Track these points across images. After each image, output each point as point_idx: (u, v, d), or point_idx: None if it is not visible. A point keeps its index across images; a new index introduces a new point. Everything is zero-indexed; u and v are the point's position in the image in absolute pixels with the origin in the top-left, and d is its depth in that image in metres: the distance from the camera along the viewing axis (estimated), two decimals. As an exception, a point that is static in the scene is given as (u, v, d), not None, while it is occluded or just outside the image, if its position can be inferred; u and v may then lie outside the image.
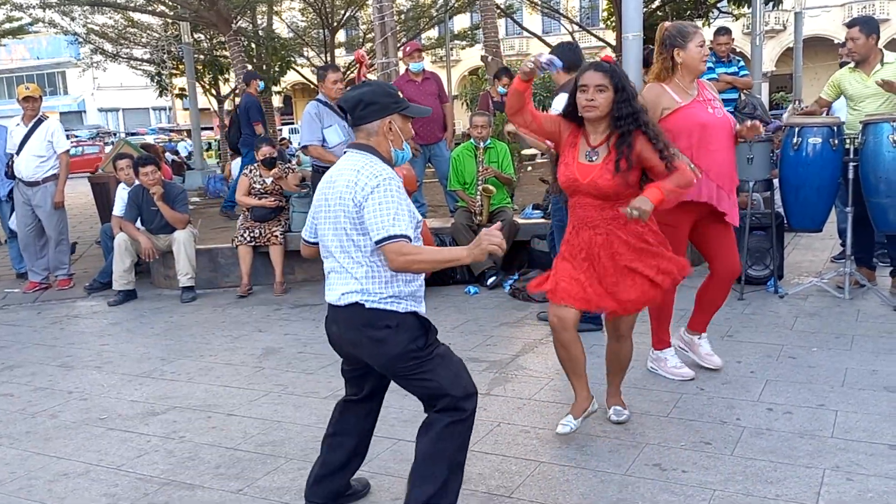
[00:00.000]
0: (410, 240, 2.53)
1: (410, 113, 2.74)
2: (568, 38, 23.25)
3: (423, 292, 2.74)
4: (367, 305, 2.60)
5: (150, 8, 16.16)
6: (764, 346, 4.58)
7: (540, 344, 4.91)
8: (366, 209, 2.52)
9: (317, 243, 2.79)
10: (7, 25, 18.84)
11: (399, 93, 2.80)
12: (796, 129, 5.53)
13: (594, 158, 3.32)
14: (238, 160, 13.26)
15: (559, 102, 4.57)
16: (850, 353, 4.37)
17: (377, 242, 2.52)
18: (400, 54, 8.48)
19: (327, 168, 6.86)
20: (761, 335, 4.82)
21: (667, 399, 3.86)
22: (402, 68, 8.47)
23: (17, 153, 7.21)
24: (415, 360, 2.61)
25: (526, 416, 3.79)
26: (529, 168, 12.65)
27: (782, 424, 3.49)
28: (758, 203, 6.24)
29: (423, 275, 2.74)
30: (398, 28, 15.00)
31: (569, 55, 4.86)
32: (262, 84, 10.25)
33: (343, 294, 2.63)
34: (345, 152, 2.73)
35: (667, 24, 4.03)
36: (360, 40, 22.58)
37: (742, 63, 7.99)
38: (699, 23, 18.42)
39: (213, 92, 20.90)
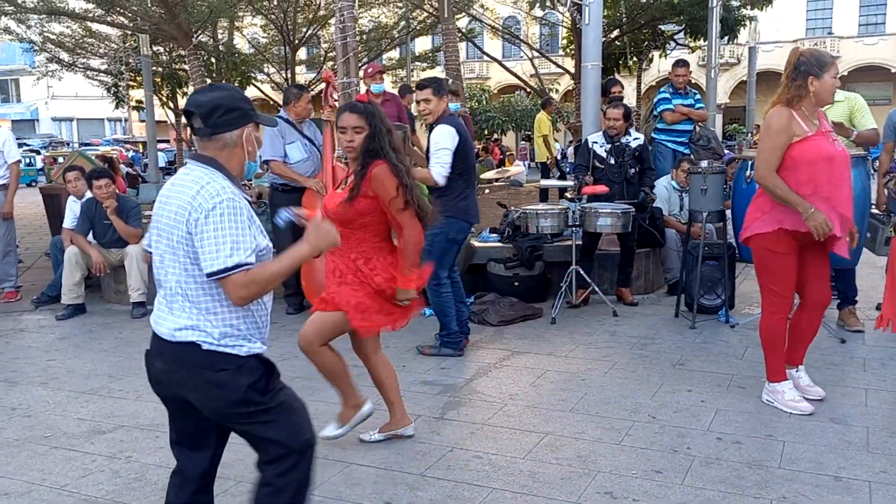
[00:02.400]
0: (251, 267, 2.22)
1: (261, 121, 2.51)
2: (527, 64, 23.57)
3: (268, 330, 2.45)
4: (205, 347, 2.27)
5: (108, 19, 15.93)
6: (715, 376, 4.66)
7: (494, 368, 4.93)
8: (197, 237, 2.19)
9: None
10: (-41, 31, 18.38)
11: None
12: (749, 163, 5.67)
13: (341, 188, 3.63)
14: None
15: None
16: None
17: (209, 275, 2.18)
18: (360, 74, 8.50)
19: (286, 185, 6.79)
20: (712, 364, 4.90)
21: (619, 426, 3.90)
22: (362, 88, 8.48)
23: (-34, 162, 7.04)
24: (254, 405, 2.31)
25: (479, 441, 3.79)
26: (487, 191, 12.73)
27: (731, 454, 3.54)
28: (710, 233, 6.37)
29: (269, 307, 2.44)
30: (360, 48, 15.04)
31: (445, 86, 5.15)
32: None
33: (176, 330, 2.27)
34: (185, 163, 2.37)
35: (802, 48, 4.01)
36: (322, 58, 22.56)
37: (698, 96, 8.20)
38: (656, 54, 18.89)
39: (171, 105, 20.66)
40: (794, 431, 3.78)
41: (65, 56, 20.07)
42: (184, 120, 18.00)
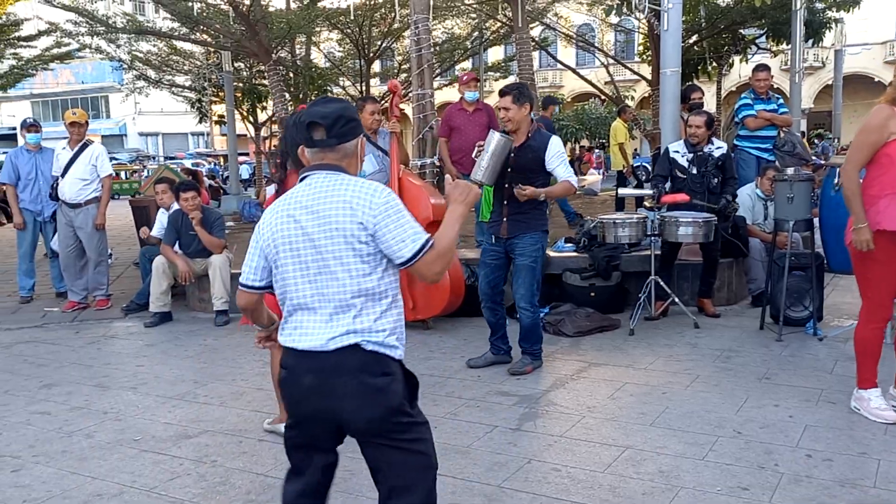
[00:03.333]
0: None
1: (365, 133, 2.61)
2: (602, 71, 23.33)
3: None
4: (368, 348, 2.25)
5: (193, 37, 16.50)
6: (803, 390, 4.50)
7: (570, 380, 4.87)
8: (380, 232, 2.22)
9: (263, 288, 2.42)
10: (56, 50, 19.32)
11: None
12: (838, 170, 5.46)
13: None
14: (273, 186, 13.45)
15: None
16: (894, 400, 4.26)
17: (406, 263, 2.24)
18: (434, 83, 8.56)
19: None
20: (800, 378, 4.73)
21: (703, 441, 3.80)
22: (437, 99, 8.54)
23: (62, 176, 7.39)
24: (407, 417, 2.28)
25: (557, 453, 3.74)
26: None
27: (822, 472, 3.41)
28: (797, 243, 6.16)
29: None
30: (434, 60, 15.18)
31: (532, 96, 5.09)
32: (557, 109, 10.52)
33: (338, 336, 2.23)
34: (305, 177, 2.35)
35: None
36: (396, 71, 22.83)
37: (781, 100, 7.96)
38: (736, 59, 18.43)
39: (251, 119, 21.23)
40: (890, 449, 3.61)
41: (151, 73, 20.86)
42: (262, 133, 18.44)
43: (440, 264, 2.28)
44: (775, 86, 8.92)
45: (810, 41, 15.33)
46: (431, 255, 2.25)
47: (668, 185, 6.40)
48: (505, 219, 4.91)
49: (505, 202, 4.91)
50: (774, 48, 17.22)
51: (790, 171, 5.79)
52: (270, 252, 2.32)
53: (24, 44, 19.29)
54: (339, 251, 2.23)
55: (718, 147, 6.38)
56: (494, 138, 4.71)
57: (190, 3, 13.13)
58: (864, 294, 3.98)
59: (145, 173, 28.50)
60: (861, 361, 4.02)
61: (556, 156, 4.84)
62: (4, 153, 14.65)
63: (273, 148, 25.95)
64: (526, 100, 4.85)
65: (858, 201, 3.75)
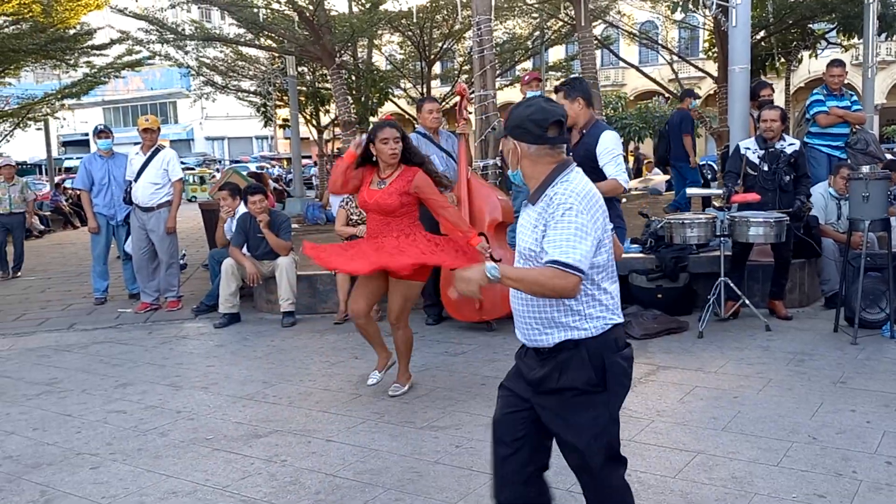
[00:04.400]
0: None
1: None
2: (666, 69, 22.93)
3: None
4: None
5: (258, 42, 16.83)
6: (880, 395, 4.34)
7: (639, 383, 4.80)
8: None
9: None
10: (127, 58, 19.92)
11: None
12: (917, 167, 5.26)
13: (382, 186, 4.60)
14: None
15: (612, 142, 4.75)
16: (979, 407, 4.09)
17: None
18: (496, 83, 8.54)
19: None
20: (877, 382, 4.57)
21: (777, 447, 3.70)
22: (499, 100, 8.52)
23: (136, 180, 7.63)
24: None
25: (627, 458, 3.68)
26: (624, 200, 12.46)
27: (905, 481, 3.29)
28: (872, 243, 5.95)
29: None
30: (496, 60, 15.17)
31: (586, 90, 4.89)
32: (694, 102, 10.76)
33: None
34: (573, 168, 2.46)
35: None
36: (457, 72, 22.86)
37: (855, 97, 7.72)
38: (805, 54, 17.89)
39: (314, 122, 21.54)
40: (977, 459, 3.46)
41: (218, 79, 21.36)
42: (325, 136, 18.59)
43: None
44: (847, 81, 8.62)
45: (883, 35, 14.73)
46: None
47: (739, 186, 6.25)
48: None
49: None
50: (845, 43, 16.67)
51: (865, 169, 5.60)
52: (602, 237, 2.38)
53: (97, 52, 19.94)
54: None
55: (791, 144, 6.21)
56: None
57: (255, 10, 13.38)
58: None
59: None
60: None
61: (606, 152, 4.65)
62: (79, 159, 15.17)
63: (336, 150, 26.32)
64: (578, 94, 4.76)
65: None
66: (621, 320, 2.43)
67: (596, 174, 4.64)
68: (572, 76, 5.32)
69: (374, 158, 4.62)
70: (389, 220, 4.61)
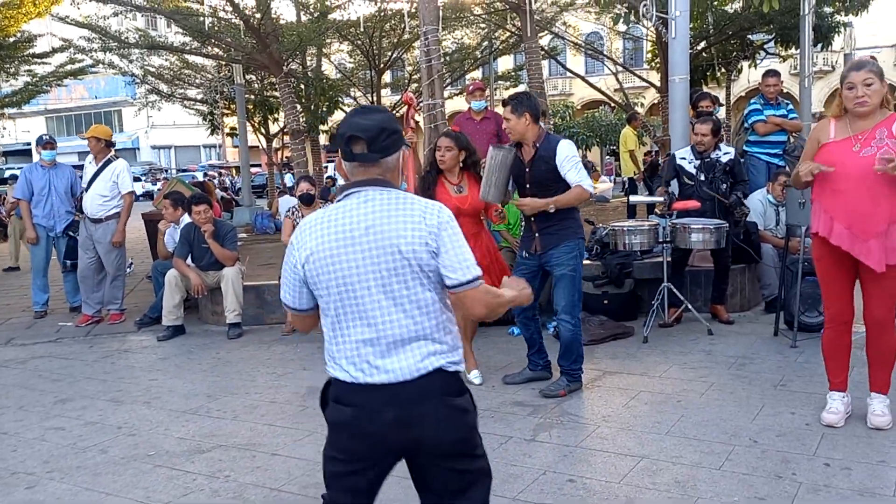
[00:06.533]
0: None
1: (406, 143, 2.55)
2: (611, 78, 23.28)
3: None
4: (451, 369, 2.15)
5: (204, 51, 16.62)
6: (819, 398, 4.43)
7: (585, 388, 4.84)
8: (443, 250, 2.11)
9: (312, 309, 2.25)
10: (70, 67, 19.50)
11: None
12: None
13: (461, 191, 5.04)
14: (286, 197, 13.52)
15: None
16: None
17: (463, 284, 2.13)
18: (445, 95, 8.57)
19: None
20: (816, 385, 4.67)
21: (719, 451, 3.76)
22: (448, 108, 8.55)
23: (86, 190, 7.47)
24: (477, 432, 2.24)
25: (572, 464, 3.72)
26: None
27: (841, 481, 3.37)
28: (809, 248, 6.10)
29: None
30: (444, 70, 15.20)
31: (534, 105, 4.76)
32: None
33: (419, 362, 2.11)
34: (351, 193, 2.18)
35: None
36: (406, 81, 22.90)
37: (790, 106, 7.92)
38: (745, 64, 18.38)
39: (263, 131, 21.33)
40: (909, 457, 3.57)
41: (164, 87, 21.03)
42: (276, 144, 18.48)
43: (485, 304, 2.19)
44: (785, 90, 8.88)
45: (819, 45, 15.26)
46: (483, 289, 2.18)
47: (675, 189, 6.39)
48: (536, 234, 4.75)
49: (532, 218, 4.76)
50: (783, 53, 17.16)
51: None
52: (321, 276, 2.13)
53: (38, 60, 19.49)
54: (406, 271, 2.09)
55: (726, 152, 6.37)
56: (489, 153, 4.66)
57: (201, 18, 13.22)
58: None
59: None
60: (824, 363, 4.18)
61: (567, 160, 4.60)
62: (20, 168, 14.76)
63: (285, 159, 26.05)
64: (525, 109, 4.62)
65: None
66: (342, 375, 2.15)
67: (558, 184, 4.65)
68: (520, 91, 5.31)
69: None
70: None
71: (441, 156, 4.99)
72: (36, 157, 8.25)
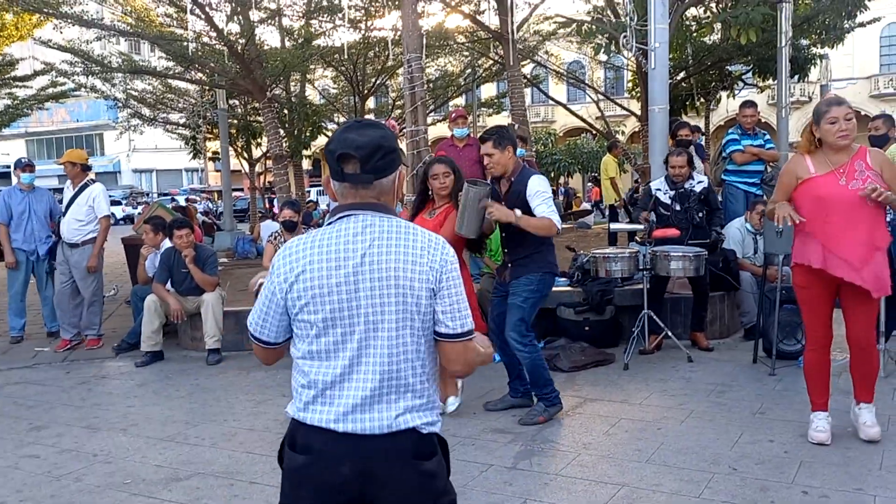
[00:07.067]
0: None
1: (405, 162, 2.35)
2: (593, 107, 23.53)
3: None
4: (424, 431, 1.93)
5: (187, 75, 16.63)
6: (797, 425, 4.47)
7: (566, 416, 4.85)
8: (443, 292, 1.91)
9: (279, 344, 2.03)
10: (51, 90, 19.43)
11: None
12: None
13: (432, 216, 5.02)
14: (268, 222, 13.49)
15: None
16: (888, 435, 4.25)
17: (459, 335, 1.93)
18: (429, 121, 8.64)
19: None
20: (794, 412, 4.71)
21: (699, 479, 3.78)
22: (431, 135, 8.61)
23: (63, 214, 7.42)
24: (449, 495, 2.00)
25: (553, 492, 3.71)
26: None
27: (818, 508, 3.39)
28: (787, 276, 6.17)
29: None
30: (427, 97, 15.28)
31: (513, 137, 4.89)
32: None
33: (397, 416, 1.89)
34: (344, 216, 1.96)
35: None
36: (390, 107, 23.02)
37: (768, 136, 8.05)
38: (724, 94, 18.65)
39: (245, 155, 21.32)
40: (885, 485, 3.59)
41: (146, 111, 20.98)
42: (259, 168, 18.42)
43: (467, 363, 2.00)
44: (763, 120, 9.02)
45: (796, 77, 15.53)
46: (472, 345, 1.98)
47: (653, 216, 6.48)
48: (509, 264, 4.87)
49: (505, 249, 4.92)
50: (761, 84, 17.45)
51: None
52: (309, 300, 1.90)
53: (20, 83, 19.41)
54: (400, 309, 1.89)
55: (700, 182, 6.50)
56: (465, 190, 4.64)
57: (185, 43, 13.24)
58: (803, 319, 4.32)
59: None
60: (807, 385, 4.27)
61: (536, 195, 4.63)
62: (-2, 192, 14.65)
63: (267, 184, 25.98)
64: (508, 142, 4.70)
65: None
66: (309, 419, 1.92)
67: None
68: (496, 125, 5.32)
69: (430, 194, 5.07)
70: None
71: (442, 183, 4.98)
72: (14, 181, 8.18)
